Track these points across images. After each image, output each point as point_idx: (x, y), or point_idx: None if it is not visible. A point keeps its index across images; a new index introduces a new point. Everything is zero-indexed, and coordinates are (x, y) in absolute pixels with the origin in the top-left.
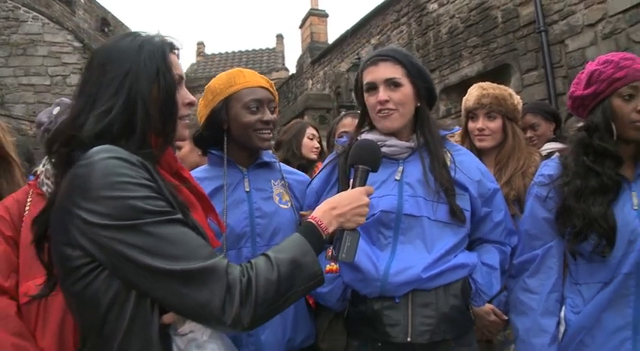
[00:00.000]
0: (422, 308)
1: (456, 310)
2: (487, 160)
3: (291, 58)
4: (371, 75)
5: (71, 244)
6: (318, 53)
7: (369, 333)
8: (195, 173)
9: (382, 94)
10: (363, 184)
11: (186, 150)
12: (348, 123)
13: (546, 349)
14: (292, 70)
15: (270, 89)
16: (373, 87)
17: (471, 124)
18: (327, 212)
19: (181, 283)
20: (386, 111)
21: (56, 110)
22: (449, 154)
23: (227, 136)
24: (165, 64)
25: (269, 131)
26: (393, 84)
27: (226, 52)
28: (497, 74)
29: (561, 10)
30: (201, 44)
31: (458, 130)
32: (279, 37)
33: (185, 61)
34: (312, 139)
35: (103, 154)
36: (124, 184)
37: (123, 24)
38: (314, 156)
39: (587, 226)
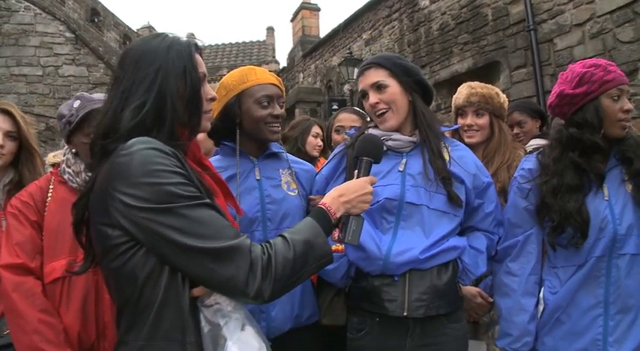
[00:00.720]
0: (418, 286)
1: (448, 287)
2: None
3: (282, 51)
4: (361, 83)
5: (112, 225)
6: (309, 47)
7: (369, 307)
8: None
9: (372, 97)
10: (367, 174)
11: (202, 136)
12: (344, 117)
13: (526, 326)
14: (283, 63)
15: (279, 86)
16: (365, 94)
17: (460, 121)
18: (335, 199)
19: (211, 259)
20: (379, 112)
21: (77, 104)
22: (447, 149)
23: (239, 128)
24: (192, 63)
25: (278, 124)
26: (378, 87)
27: (216, 44)
28: (487, 71)
29: (550, 10)
30: (191, 36)
31: (457, 127)
32: (270, 30)
33: None
34: (316, 137)
35: (140, 145)
36: (160, 172)
37: (113, 14)
38: (316, 153)
39: (564, 220)
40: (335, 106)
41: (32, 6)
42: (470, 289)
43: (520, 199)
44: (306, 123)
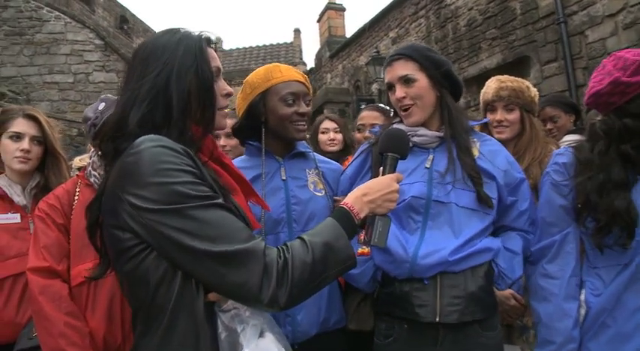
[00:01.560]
0: (450, 289)
1: (482, 291)
2: None
3: (309, 52)
4: (388, 75)
5: (122, 227)
6: (336, 47)
7: (399, 313)
8: (234, 163)
9: (398, 91)
10: (393, 171)
11: (236, 141)
12: (365, 115)
13: (570, 332)
14: (310, 64)
15: (305, 83)
16: (391, 86)
17: (489, 116)
18: (358, 198)
19: (221, 263)
20: (406, 107)
21: (102, 106)
22: (477, 144)
23: (264, 127)
24: (203, 57)
25: (304, 123)
26: (406, 80)
27: (244, 47)
28: (517, 66)
29: (581, 1)
30: (218, 39)
31: (487, 121)
32: (297, 32)
33: None
34: (325, 133)
35: (149, 143)
36: (169, 171)
37: (142, 21)
38: (331, 148)
39: (611, 220)
40: (363, 106)
41: (62, 15)
42: (502, 291)
43: (555, 195)
44: (316, 122)
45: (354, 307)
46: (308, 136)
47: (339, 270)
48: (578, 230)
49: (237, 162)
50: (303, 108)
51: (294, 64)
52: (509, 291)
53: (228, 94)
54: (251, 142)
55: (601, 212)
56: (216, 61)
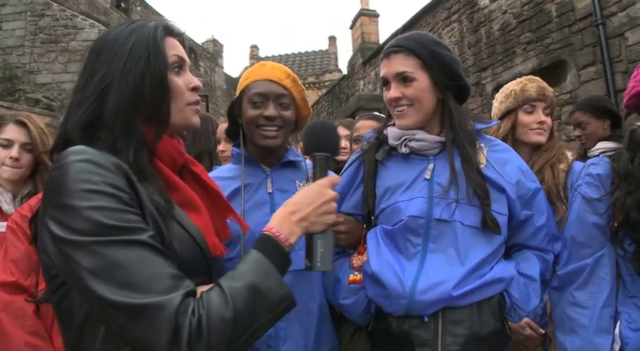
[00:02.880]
0: (453, 326)
1: (490, 329)
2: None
3: (344, 59)
4: (384, 70)
5: (46, 253)
6: (369, 53)
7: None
8: (220, 172)
9: (393, 90)
10: (325, 173)
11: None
12: (361, 125)
13: None
14: (345, 71)
15: (283, 83)
16: (386, 82)
17: (526, 118)
18: (285, 219)
19: (127, 317)
20: (400, 108)
21: None
22: (484, 151)
23: (242, 131)
24: (157, 47)
25: (274, 128)
26: (404, 79)
27: (279, 55)
28: (553, 71)
29: (620, 1)
30: (254, 47)
31: (496, 123)
32: (332, 39)
33: (239, 64)
34: None
35: (72, 156)
36: (88, 193)
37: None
38: (342, 157)
39: None
40: (362, 114)
41: (96, 23)
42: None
43: (587, 212)
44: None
45: (348, 337)
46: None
47: (274, 315)
48: (613, 252)
49: (223, 171)
50: (270, 111)
51: (330, 72)
52: (525, 320)
53: (195, 88)
54: (234, 149)
55: None
56: (176, 50)
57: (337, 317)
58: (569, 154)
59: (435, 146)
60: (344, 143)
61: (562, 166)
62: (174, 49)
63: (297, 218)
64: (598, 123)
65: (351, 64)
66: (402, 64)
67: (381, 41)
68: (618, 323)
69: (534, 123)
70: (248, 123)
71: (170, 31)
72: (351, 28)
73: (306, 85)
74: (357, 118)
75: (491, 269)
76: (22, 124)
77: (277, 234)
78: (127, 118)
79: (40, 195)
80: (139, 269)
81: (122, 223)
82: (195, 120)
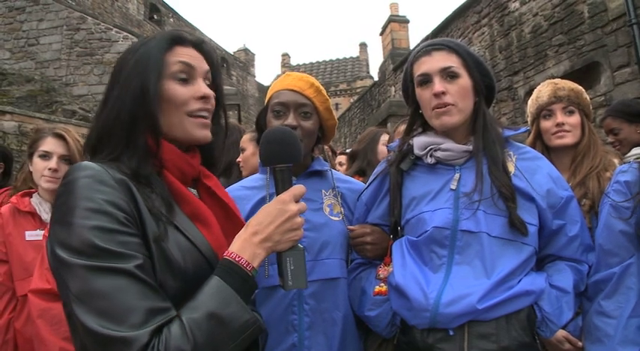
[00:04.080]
0: (479, 341)
1: (519, 344)
2: (560, 164)
3: (375, 65)
4: (424, 65)
5: (50, 265)
6: (399, 60)
7: None
8: (246, 182)
9: (438, 85)
10: (288, 185)
11: (249, 152)
12: (402, 130)
13: None
14: (376, 77)
15: (304, 93)
16: (427, 79)
17: (545, 124)
18: (247, 241)
19: (99, 345)
20: (442, 105)
21: None
22: (513, 159)
23: None
24: (154, 58)
25: None
26: (449, 74)
27: (310, 63)
28: (586, 73)
29: None
30: (286, 55)
31: (525, 131)
32: (363, 46)
33: (271, 72)
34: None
35: (78, 172)
36: (85, 211)
37: (210, 39)
38: None
39: None
40: (401, 120)
41: (130, 36)
42: (555, 335)
43: (615, 219)
44: (372, 133)
45: (374, 348)
46: (362, 148)
47: (239, 342)
48: None
49: (248, 181)
50: (290, 120)
51: (361, 78)
52: (563, 333)
53: (203, 97)
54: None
55: None
56: (183, 58)
57: (364, 328)
58: (616, 161)
59: (461, 156)
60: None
61: (608, 174)
62: (180, 57)
63: (258, 239)
64: (631, 128)
65: (382, 70)
66: (446, 59)
67: (412, 47)
68: None
69: (553, 127)
70: None
71: (180, 40)
72: (382, 34)
73: (338, 93)
74: (400, 121)
75: (519, 281)
76: (60, 136)
77: (238, 259)
78: (127, 129)
79: None
80: (119, 299)
81: (113, 247)
82: (200, 134)
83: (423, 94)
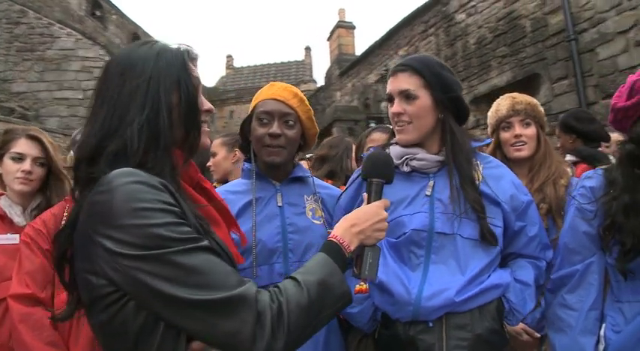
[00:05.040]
0: (456, 330)
1: (491, 331)
2: (519, 171)
3: (320, 70)
4: (390, 86)
5: (96, 273)
6: (346, 65)
7: None
8: (230, 187)
9: (395, 106)
10: (380, 197)
11: (220, 157)
12: (377, 137)
13: None
14: (320, 82)
15: (288, 102)
16: (391, 99)
17: (504, 135)
18: (347, 230)
19: (210, 312)
20: (401, 123)
21: None
22: (479, 168)
23: (253, 148)
24: (186, 71)
25: (278, 146)
26: (407, 96)
27: (255, 65)
28: (527, 84)
29: (591, 18)
30: (230, 57)
31: (489, 141)
32: (308, 50)
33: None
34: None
35: (122, 178)
36: (147, 211)
37: (154, 39)
38: None
39: (638, 243)
40: (372, 124)
41: (73, 32)
42: (514, 327)
43: (580, 221)
44: (346, 142)
45: (355, 343)
46: (338, 154)
47: (335, 309)
48: (603, 260)
49: (232, 186)
50: (275, 128)
51: (305, 82)
52: (520, 326)
53: (209, 111)
54: (245, 164)
55: (626, 234)
56: (196, 74)
57: (344, 327)
58: (569, 170)
59: (434, 165)
60: None
61: (563, 181)
62: (194, 71)
63: (356, 230)
64: (565, 137)
65: (328, 75)
66: (406, 82)
67: (358, 53)
68: (604, 325)
69: (512, 138)
70: (256, 140)
71: (190, 55)
72: (329, 39)
73: None
74: (370, 128)
75: (489, 277)
76: (34, 138)
77: (341, 241)
78: (159, 141)
79: (54, 210)
80: (212, 270)
81: (185, 235)
82: (207, 141)
83: (390, 111)
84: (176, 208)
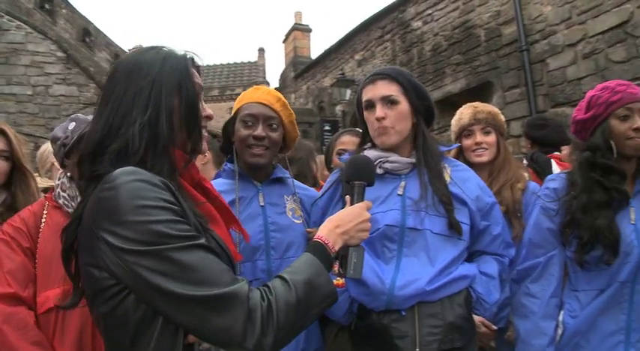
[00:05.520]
0: (428, 319)
1: (461, 319)
2: (480, 175)
3: (273, 72)
4: (369, 93)
5: (98, 266)
6: (301, 68)
7: (378, 345)
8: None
9: (379, 111)
10: (362, 199)
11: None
12: (347, 140)
13: (544, 350)
14: (274, 83)
15: (273, 106)
16: (371, 105)
17: (466, 142)
18: (332, 231)
19: (204, 308)
20: (382, 127)
21: (72, 126)
22: (448, 170)
23: (235, 149)
24: (188, 77)
25: (262, 147)
26: (389, 101)
27: (207, 65)
28: (480, 91)
29: (543, 30)
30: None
31: (457, 146)
32: (261, 51)
33: None
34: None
35: (125, 176)
36: (148, 208)
37: (104, 34)
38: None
39: (594, 237)
40: (327, 127)
41: (24, 25)
42: (474, 318)
43: (544, 218)
44: (308, 147)
45: (331, 337)
46: (303, 156)
47: (321, 307)
48: (562, 254)
49: (216, 185)
50: (259, 131)
51: (257, 84)
52: (479, 318)
53: (208, 117)
54: (227, 164)
55: (584, 229)
56: (199, 80)
57: (321, 320)
58: (526, 175)
59: (406, 167)
60: None
61: (519, 185)
62: (197, 78)
63: (340, 231)
64: (525, 142)
65: (283, 77)
66: (387, 88)
67: (314, 56)
68: (562, 312)
69: (473, 144)
70: (239, 141)
71: (194, 62)
72: (284, 41)
73: (234, 97)
74: (340, 131)
75: (456, 269)
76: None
77: (326, 241)
78: (161, 143)
79: (33, 208)
80: (206, 267)
81: (183, 233)
82: (205, 146)
83: (368, 117)
84: (176, 207)
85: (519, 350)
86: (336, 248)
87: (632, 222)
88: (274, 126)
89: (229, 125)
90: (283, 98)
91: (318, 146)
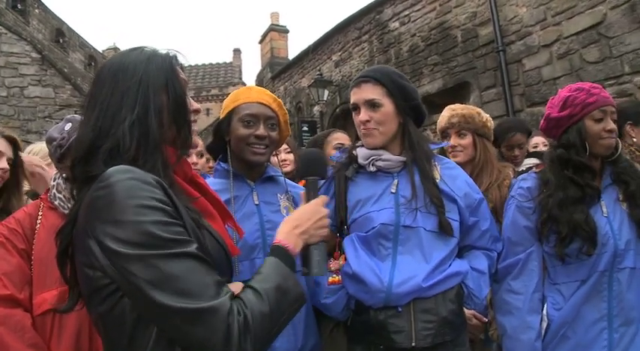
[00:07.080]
0: (423, 314)
1: (453, 314)
2: None
3: (250, 72)
4: (354, 96)
5: (92, 266)
6: (278, 68)
7: (374, 340)
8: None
9: (362, 114)
10: (317, 195)
11: (204, 160)
12: (341, 136)
13: (533, 344)
14: (250, 84)
15: (271, 106)
16: (356, 107)
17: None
18: (290, 233)
19: (185, 320)
20: (367, 129)
21: (68, 126)
22: (437, 168)
23: (229, 148)
24: (174, 74)
25: (263, 146)
26: (372, 105)
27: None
28: (457, 91)
29: (519, 31)
30: (172, 50)
31: (447, 144)
32: (237, 52)
33: None
34: (277, 155)
35: (119, 175)
36: (140, 208)
37: (78, 35)
38: (284, 169)
39: (572, 231)
40: (305, 128)
41: (1, 27)
42: (465, 311)
43: (521, 217)
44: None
45: (327, 333)
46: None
47: (293, 310)
48: (540, 249)
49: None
50: (261, 131)
51: (233, 84)
52: (470, 311)
53: (196, 111)
54: (221, 164)
55: (562, 224)
56: (184, 77)
57: (317, 316)
58: (510, 171)
59: (397, 165)
60: (284, 156)
61: (507, 182)
62: (182, 74)
63: (299, 231)
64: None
65: (260, 78)
66: (370, 92)
67: (291, 57)
68: (545, 305)
69: (449, 147)
70: (239, 141)
71: (177, 61)
72: (261, 42)
73: (210, 98)
74: (329, 130)
75: (450, 265)
76: (10, 140)
77: (287, 245)
78: (151, 140)
79: (28, 209)
80: (192, 278)
81: (173, 236)
82: (197, 140)
83: (355, 119)
84: (168, 207)
85: (507, 347)
86: (297, 250)
87: (605, 215)
88: (274, 125)
89: (223, 125)
90: (278, 98)
91: None
